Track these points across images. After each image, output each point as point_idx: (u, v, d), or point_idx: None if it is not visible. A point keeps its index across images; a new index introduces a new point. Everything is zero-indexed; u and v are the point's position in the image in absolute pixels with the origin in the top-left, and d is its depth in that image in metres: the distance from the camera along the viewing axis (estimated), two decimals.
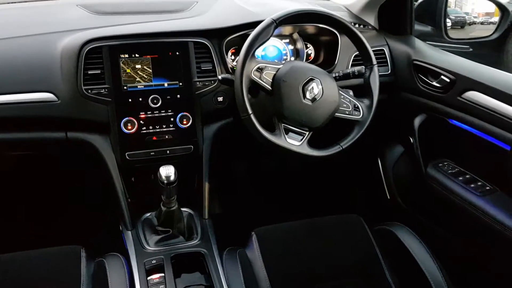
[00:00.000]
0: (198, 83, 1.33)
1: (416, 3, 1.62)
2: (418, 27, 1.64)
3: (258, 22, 1.21)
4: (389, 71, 1.55)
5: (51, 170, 1.78)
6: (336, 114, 1.25)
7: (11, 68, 1.24)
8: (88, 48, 1.24)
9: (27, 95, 1.22)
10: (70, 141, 1.32)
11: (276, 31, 1.24)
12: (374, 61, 1.30)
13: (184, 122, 1.33)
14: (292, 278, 1.23)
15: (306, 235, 1.37)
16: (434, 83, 1.41)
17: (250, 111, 1.15)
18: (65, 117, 1.26)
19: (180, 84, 1.32)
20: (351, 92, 1.33)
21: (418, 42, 1.55)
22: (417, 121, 1.52)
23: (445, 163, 1.49)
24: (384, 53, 1.55)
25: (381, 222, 1.42)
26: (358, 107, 1.29)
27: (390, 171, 1.72)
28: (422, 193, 1.54)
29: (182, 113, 1.32)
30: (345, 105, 1.28)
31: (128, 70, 1.27)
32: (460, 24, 2.00)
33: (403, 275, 1.25)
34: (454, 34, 1.76)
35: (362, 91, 1.33)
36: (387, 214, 1.75)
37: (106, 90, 1.26)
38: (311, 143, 1.24)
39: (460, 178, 1.40)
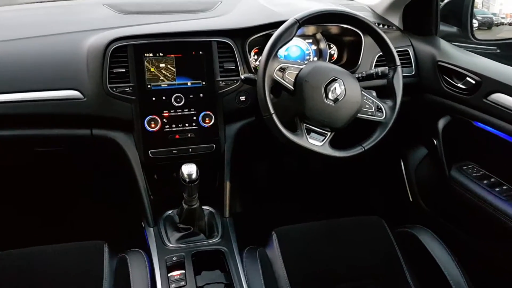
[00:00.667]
0: (220, 82, 1.34)
1: (442, 4, 1.59)
2: (443, 27, 1.61)
3: (281, 22, 1.21)
4: (413, 72, 1.53)
5: (77, 166, 1.82)
6: (358, 115, 1.24)
7: (39, 66, 1.27)
8: (114, 47, 1.26)
9: (54, 92, 1.25)
10: (95, 138, 1.34)
11: (299, 31, 1.24)
12: (398, 62, 1.28)
13: (207, 121, 1.34)
14: (312, 278, 1.23)
15: (326, 236, 1.37)
16: (459, 85, 1.38)
17: (272, 111, 1.16)
18: (91, 115, 1.29)
19: (203, 83, 1.33)
20: (374, 93, 1.32)
21: (443, 43, 1.52)
22: (441, 123, 1.50)
23: (469, 166, 1.47)
24: (409, 54, 1.54)
25: (403, 224, 1.40)
26: (381, 108, 1.28)
27: (412, 173, 1.70)
28: (445, 195, 1.52)
29: (205, 112, 1.34)
30: (367, 106, 1.27)
31: (152, 69, 1.29)
32: (487, 25, 1.95)
33: (425, 278, 1.24)
34: (480, 35, 1.72)
35: (385, 92, 1.32)
36: (408, 217, 1.73)
37: (131, 88, 1.28)
38: (333, 144, 1.23)
39: (485, 182, 1.38)
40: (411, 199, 1.71)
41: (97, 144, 1.38)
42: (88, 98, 1.27)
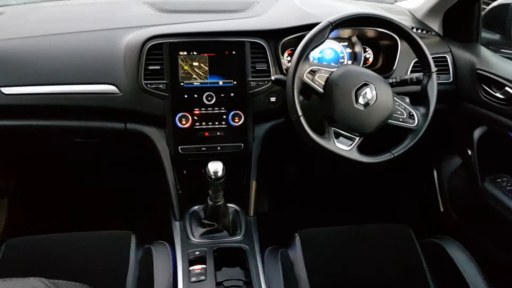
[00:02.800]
0: (252, 82, 1.36)
1: (485, 10, 1.54)
2: (485, 34, 1.56)
3: (315, 24, 1.21)
4: (451, 80, 1.49)
5: (110, 158, 1.88)
6: (389, 120, 1.22)
7: (80, 60, 1.33)
8: (150, 44, 1.30)
9: (92, 86, 1.31)
10: (128, 132, 1.39)
11: (335, 34, 1.23)
12: (433, 68, 1.25)
13: (236, 120, 1.36)
14: (333, 283, 1.22)
15: (351, 241, 1.35)
16: (498, 95, 1.33)
17: (300, 113, 1.16)
18: (125, 109, 1.33)
19: (235, 82, 1.35)
20: (407, 99, 1.29)
21: (484, 51, 1.47)
22: (476, 133, 1.45)
23: (504, 179, 1.41)
24: (447, 61, 1.49)
25: (431, 234, 1.37)
26: (413, 115, 1.25)
27: (445, 183, 1.66)
28: (477, 208, 1.47)
29: (235, 111, 1.35)
30: (399, 112, 1.24)
31: (185, 67, 1.32)
32: None
33: None
34: None
35: (419, 99, 1.29)
36: (437, 227, 1.69)
37: (164, 85, 1.31)
38: (361, 149, 1.22)
39: None
40: (442, 210, 1.67)
41: (130, 138, 1.42)
42: (124, 93, 1.31)
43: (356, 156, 1.21)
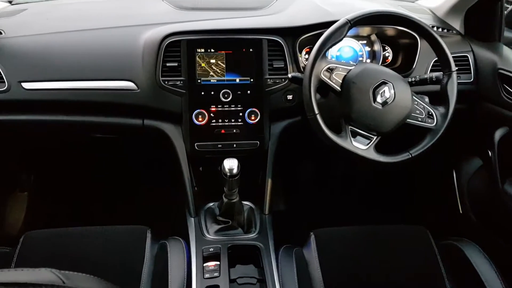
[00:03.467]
0: (269, 80, 1.35)
1: (508, 9, 1.51)
2: (508, 34, 1.52)
3: (333, 22, 1.20)
4: (472, 79, 1.46)
5: (127, 154, 1.90)
6: (407, 120, 1.21)
7: (100, 56, 1.35)
8: (168, 41, 1.31)
9: (111, 82, 1.33)
10: (146, 128, 1.40)
11: (353, 32, 1.22)
12: (453, 68, 1.23)
13: (252, 118, 1.36)
14: (348, 284, 1.21)
15: (366, 242, 1.34)
16: None
17: (316, 111, 1.15)
18: (143, 105, 1.35)
19: (251, 80, 1.35)
20: (426, 99, 1.27)
21: (506, 50, 1.44)
22: (497, 134, 1.42)
23: None
24: (468, 60, 1.47)
25: (449, 236, 1.35)
26: (432, 115, 1.23)
27: (465, 185, 1.63)
28: (497, 211, 1.44)
29: (251, 109, 1.36)
30: (418, 112, 1.22)
31: (203, 64, 1.33)
32: None
33: None
34: None
35: (438, 98, 1.27)
36: (456, 229, 1.66)
37: (182, 82, 1.32)
38: (378, 148, 1.21)
39: None
40: (461, 211, 1.64)
41: (147, 134, 1.43)
42: (142, 90, 1.32)
43: (373, 155, 1.19)
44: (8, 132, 1.47)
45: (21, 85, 1.30)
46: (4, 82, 1.29)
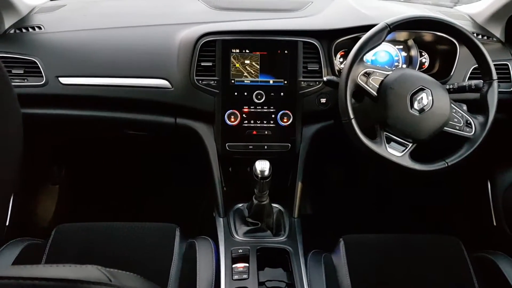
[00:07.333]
0: (302, 82, 1.34)
1: None
2: None
3: (371, 26, 1.18)
4: (511, 88, 1.42)
5: (159, 152, 1.92)
6: (445, 128, 1.18)
7: (136, 54, 1.36)
8: (203, 41, 1.31)
9: (146, 80, 1.34)
10: (178, 126, 1.41)
11: (390, 36, 1.20)
12: (495, 76, 1.19)
13: (285, 120, 1.35)
14: None
15: (397, 250, 1.31)
16: None
17: (351, 116, 1.13)
18: (176, 104, 1.35)
19: (285, 82, 1.34)
20: (464, 107, 1.24)
21: None
22: None
23: None
24: (508, 68, 1.43)
25: (483, 249, 1.31)
26: (470, 124, 1.20)
27: (500, 196, 1.58)
28: None
29: (284, 111, 1.35)
30: (456, 120, 1.20)
31: (237, 65, 1.33)
32: None
33: None
34: None
35: (477, 107, 1.23)
36: (490, 242, 1.61)
37: (215, 82, 1.32)
38: (414, 156, 1.18)
39: None
40: (495, 224, 1.59)
41: (179, 133, 1.44)
42: (176, 88, 1.33)
43: (408, 163, 1.17)
44: (42, 126, 1.49)
45: (59, 80, 1.32)
46: (42, 76, 1.31)
